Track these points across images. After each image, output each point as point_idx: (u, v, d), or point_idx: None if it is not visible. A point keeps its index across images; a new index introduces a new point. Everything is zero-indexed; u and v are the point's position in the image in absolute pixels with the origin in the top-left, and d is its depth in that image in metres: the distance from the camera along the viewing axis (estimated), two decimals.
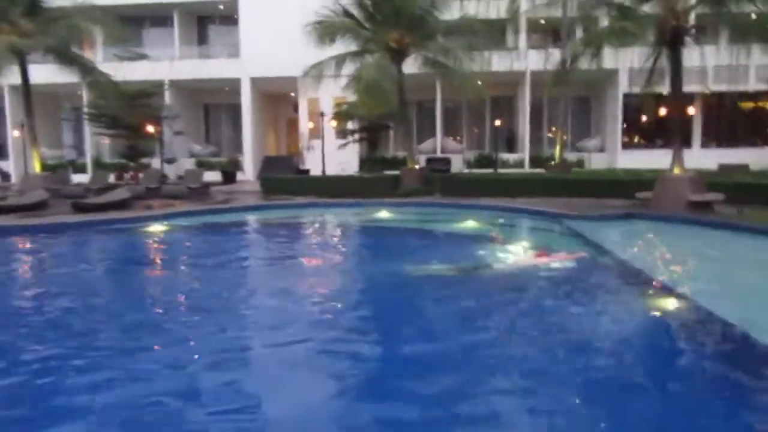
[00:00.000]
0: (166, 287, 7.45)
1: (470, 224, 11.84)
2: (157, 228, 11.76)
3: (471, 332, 5.28)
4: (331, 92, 22.16)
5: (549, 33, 29.05)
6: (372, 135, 27.09)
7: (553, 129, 27.26)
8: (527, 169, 26.49)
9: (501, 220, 12.72)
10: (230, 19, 30.03)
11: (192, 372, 4.43)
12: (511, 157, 28.11)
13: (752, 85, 26.09)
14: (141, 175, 21.84)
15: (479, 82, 28.30)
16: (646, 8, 13.31)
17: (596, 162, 27.16)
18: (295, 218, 14.17)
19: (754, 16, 12.42)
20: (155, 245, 10.87)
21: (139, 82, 24.31)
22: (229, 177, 25.23)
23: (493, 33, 23.22)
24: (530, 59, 26.27)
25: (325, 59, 18.64)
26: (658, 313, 5.96)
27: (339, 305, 6.35)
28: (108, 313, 6.11)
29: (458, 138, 31.73)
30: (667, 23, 12.15)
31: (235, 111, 28.98)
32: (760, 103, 27.79)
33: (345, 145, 24.67)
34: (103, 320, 5.80)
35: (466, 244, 10.18)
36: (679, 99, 12.97)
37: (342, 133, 25.80)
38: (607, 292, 6.83)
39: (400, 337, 5.23)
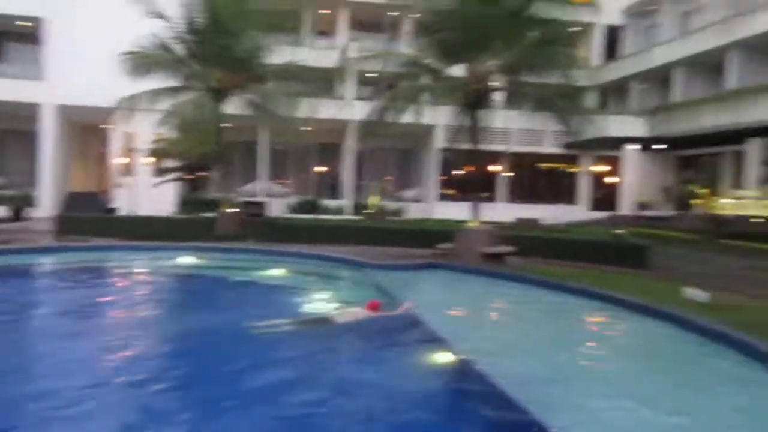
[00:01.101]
0: None
1: (274, 272, 11.55)
2: None
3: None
4: (150, 127, 20.94)
5: (379, 85, 30.32)
6: (192, 174, 25.97)
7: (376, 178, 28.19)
8: (349, 216, 26.95)
9: (304, 268, 12.49)
10: (35, 37, 27.40)
11: None
12: (333, 203, 28.48)
13: (548, 148, 29.26)
14: None
15: (308, 128, 28.71)
16: (454, 71, 14.29)
17: (415, 211, 28.44)
18: (79, 263, 12.57)
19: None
20: None
21: None
22: (16, 213, 22.59)
23: (320, 81, 23.66)
24: (356, 109, 27.06)
25: (141, 92, 17.62)
26: (427, 369, 6.13)
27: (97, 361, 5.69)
28: None
29: (284, 182, 31.60)
30: (469, 86, 13.08)
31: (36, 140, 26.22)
32: (555, 164, 31.15)
33: (160, 183, 23.30)
34: None
35: (262, 293, 9.89)
36: (479, 157, 13.93)
37: (159, 171, 24.40)
38: (385, 346, 6.92)
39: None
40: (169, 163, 23.90)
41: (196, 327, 7.44)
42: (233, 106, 19.63)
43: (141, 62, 16.97)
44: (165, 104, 18.17)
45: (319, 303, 9.01)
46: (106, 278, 11.86)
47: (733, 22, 24.58)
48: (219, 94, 17.66)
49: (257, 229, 17.39)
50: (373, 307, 7.97)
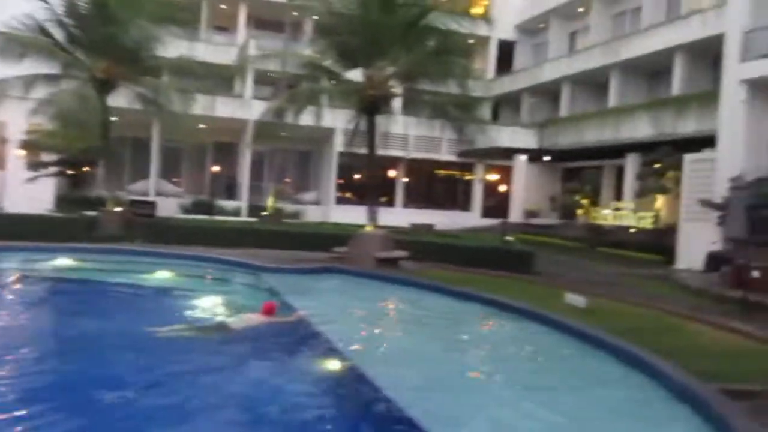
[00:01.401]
0: None
1: (161, 276, 10.99)
2: None
3: None
4: (24, 117, 19.32)
5: (278, 85, 29.85)
6: (74, 170, 24.33)
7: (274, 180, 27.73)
8: (245, 217, 26.28)
9: (195, 272, 11.97)
10: None
11: None
12: (229, 204, 27.70)
13: (445, 155, 30.03)
14: None
15: (204, 126, 27.74)
16: (353, 75, 14.28)
17: (313, 214, 28.21)
18: None
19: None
20: None
21: None
22: None
23: (217, 78, 22.90)
24: (254, 109, 26.41)
25: (12, 78, 16.23)
26: (316, 376, 6.04)
27: None
28: None
29: (177, 181, 30.36)
30: (366, 91, 13.12)
31: None
32: (450, 172, 32.03)
33: (34, 178, 21.56)
34: None
35: (146, 299, 9.38)
36: (374, 161, 14.00)
37: (34, 165, 22.58)
38: (275, 352, 6.76)
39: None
40: (46, 156, 22.21)
41: (73, 335, 6.93)
42: (123, 100, 18.60)
43: (11, 45, 15.63)
44: (41, 93, 16.88)
45: (209, 309, 8.67)
46: None
47: (613, 44, 26.38)
48: (105, 85, 16.60)
49: (146, 230, 16.50)
50: (269, 309, 7.77)
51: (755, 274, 12.62)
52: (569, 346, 7.41)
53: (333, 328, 7.66)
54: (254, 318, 7.61)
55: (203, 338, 7.08)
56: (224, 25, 32.09)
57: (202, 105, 25.44)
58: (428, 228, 19.36)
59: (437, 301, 10.05)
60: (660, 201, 22.05)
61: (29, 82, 16.33)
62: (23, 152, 21.82)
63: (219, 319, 7.81)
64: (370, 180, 14.50)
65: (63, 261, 11.83)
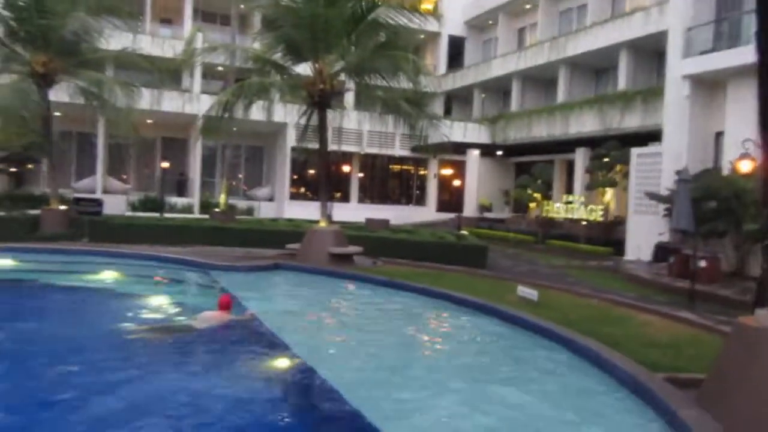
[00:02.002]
0: None
1: (108, 276, 10.62)
2: None
3: None
4: None
5: (227, 80, 29.27)
6: (17, 167, 23.38)
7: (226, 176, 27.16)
8: (197, 214, 25.72)
9: (140, 271, 11.59)
10: None
11: None
12: (180, 201, 27.10)
13: (399, 151, 30.04)
14: None
15: (150, 121, 26.99)
16: (300, 69, 14.07)
17: (266, 211, 27.83)
18: None
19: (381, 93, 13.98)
20: None
21: None
22: None
23: (163, 72, 22.27)
24: (203, 103, 25.83)
25: None
26: (265, 374, 5.92)
27: None
28: None
29: (125, 177, 29.48)
30: (315, 86, 12.93)
31: None
32: (405, 167, 32.08)
33: None
34: None
35: (90, 300, 9.04)
36: (325, 156, 13.84)
37: None
38: (225, 351, 6.60)
39: None
40: None
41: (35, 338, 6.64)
42: (65, 94, 17.92)
43: None
44: None
45: (161, 309, 8.45)
46: None
47: (560, 41, 26.83)
48: (44, 79, 15.95)
49: (93, 228, 15.95)
50: (225, 303, 7.69)
51: (702, 263, 13.03)
52: (521, 339, 7.46)
53: (280, 325, 7.54)
54: (215, 315, 7.49)
55: (170, 339, 6.94)
56: (170, 18, 31.28)
57: (148, 100, 24.85)
58: (384, 223, 19.27)
59: (390, 296, 10.00)
60: (609, 194, 22.58)
61: None
62: None
63: (177, 319, 7.71)
64: (323, 176, 14.30)
65: (4, 261, 11.30)
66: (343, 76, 13.76)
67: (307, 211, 24.25)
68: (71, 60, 16.38)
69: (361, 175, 31.07)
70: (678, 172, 13.63)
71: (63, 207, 17.17)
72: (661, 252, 16.53)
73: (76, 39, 16.06)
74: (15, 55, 16.06)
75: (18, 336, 6.80)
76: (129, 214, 23.53)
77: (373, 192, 31.49)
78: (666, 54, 18.44)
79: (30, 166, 25.07)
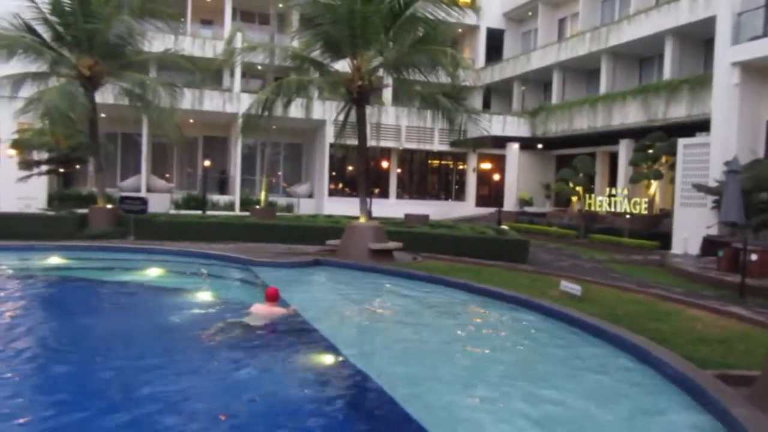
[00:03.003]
0: None
1: (152, 273, 10.86)
2: None
3: None
4: (13, 116, 19.11)
5: (266, 78, 29.61)
6: (65, 168, 24.05)
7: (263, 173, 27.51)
8: (238, 212, 26.12)
9: (185, 268, 11.81)
10: None
11: None
12: (222, 199, 27.54)
13: (437, 145, 29.89)
14: None
15: (190, 120, 27.50)
16: (339, 66, 14.12)
17: (305, 207, 28.08)
18: None
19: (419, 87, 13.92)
20: None
21: None
22: None
23: (203, 72, 22.69)
24: (243, 102, 26.20)
25: (0, 78, 16.11)
26: (308, 370, 5.93)
27: None
28: None
29: (168, 176, 30.13)
30: (353, 82, 12.96)
31: None
32: (443, 162, 31.90)
33: (27, 177, 21.36)
34: None
35: (137, 296, 9.26)
36: (364, 152, 13.87)
37: (26, 164, 22.35)
38: (268, 347, 6.67)
39: None
40: (36, 155, 22.00)
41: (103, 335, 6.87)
42: (110, 96, 18.43)
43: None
44: (29, 91, 16.76)
45: (208, 305, 8.60)
46: None
47: (602, 30, 26.24)
48: (90, 81, 16.41)
49: (137, 226, 16.36)
50: (272, 294, 7.78)
51: (753, 257, 12.58)
52: (565, 335, 7.33)
53: (322, 321, 7.60)
54: (265, 308, 7.61)
55: (225, 336, 7.04)
56: (210, 19, 31.78)
57: (189, 100, 25.35)
58: (424, 219, 19.21)
59: (432, 291, 9.96)
60: (654, 186, 22.00)
61: (18, 81, 16.23)
62: (14, 152, 21.59)
63: (228, 314, 7.87)
64: (362, 172, 14.33)
65: (51, 260, 11.69)
66: (381, 72, 13.76)
67: (346, 207, 24.36)
68: (116, 62, 16.84)
69: (399, 170, 31.04)
70: (727, 163, 13.18)
71: (110, 206, 17.65)
72: (710, 245, 16.02)
73: (120, 42, 16.45)
74: (62, 59, 16.56)
75: (76, 332, 7.01)
76: (173, 212, 24.01)
77: (411, 187, 31.43)
78: (714, 41, 17.82)
79: (77, 166, 25.81)
